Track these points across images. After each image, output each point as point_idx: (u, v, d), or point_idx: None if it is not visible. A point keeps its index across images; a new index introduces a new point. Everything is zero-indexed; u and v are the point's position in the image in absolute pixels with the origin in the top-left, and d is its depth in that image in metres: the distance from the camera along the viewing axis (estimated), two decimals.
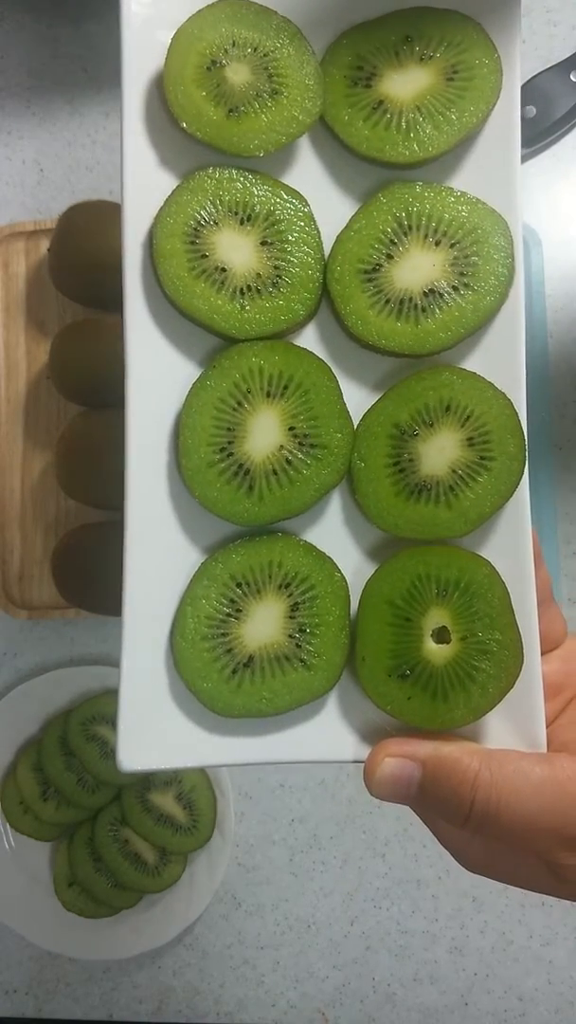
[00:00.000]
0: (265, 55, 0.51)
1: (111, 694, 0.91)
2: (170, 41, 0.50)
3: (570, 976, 0.91)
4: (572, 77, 0.93)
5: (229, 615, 0.51)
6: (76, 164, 0.96)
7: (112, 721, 0.89)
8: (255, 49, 0.51)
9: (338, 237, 0.52)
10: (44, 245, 0.92)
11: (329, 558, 0.51)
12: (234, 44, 0.51)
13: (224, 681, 0.50)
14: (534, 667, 0.49)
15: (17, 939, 0.93)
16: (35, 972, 0.94)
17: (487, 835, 0.47)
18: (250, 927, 0.93)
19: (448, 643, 0.49)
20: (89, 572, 0.86)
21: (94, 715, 0.91)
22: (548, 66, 0.93)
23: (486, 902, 0.92)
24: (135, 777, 0.90)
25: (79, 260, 0.84)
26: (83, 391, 0.85)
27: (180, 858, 0.91)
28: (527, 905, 0.91)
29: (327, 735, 0.51)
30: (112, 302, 0.86)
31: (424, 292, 0.51)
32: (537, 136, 0.93)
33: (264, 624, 0.51)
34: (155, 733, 0.50)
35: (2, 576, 0.92)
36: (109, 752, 0.90)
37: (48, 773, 0.91)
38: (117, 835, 0.91)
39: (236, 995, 0.92)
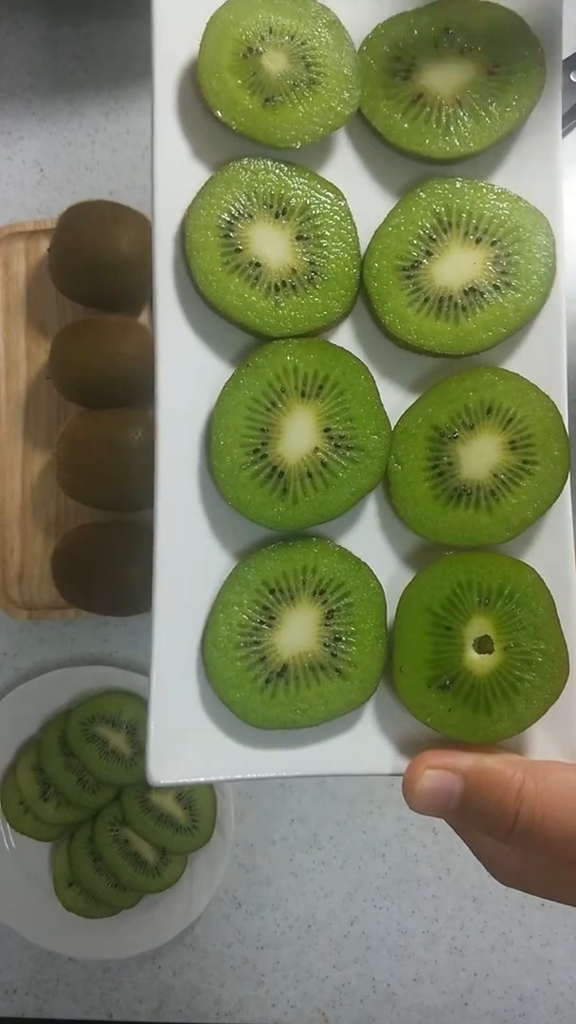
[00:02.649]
0: (303, 43, 0.50)
1: (111, 694, 0.90)
2: (205, 27, 0.49)
3: (570, 976, 0.90)
4: (572, 77, 0.92)
5: (262, 622, 0.49)
6: (76, 164, 0.94)
7: (113, 720, 0.89)
8: (292, 37, 0.50)
9: (376, 233, 0.51)
10: (44, 245, 0.91)
11: (365, 564, 0.50)
12: (271, 31, 0.50)
13: (257, 691, 0.49)
14: (573, 676, 0.48)
15: (17, 939, 0.92)
16: (35, 972, 0.93)
17: (530, 848, 0.46)
18: (250, 927, 0.92)
19: (490, 653, 0.48)
20: (89, 572, 0.85)
21: (94, 715, 0.90)
22: None
23: (486, 902, 0.91)
24: (134, 777, 0.89)
25: (79, 260, 0.82)
26: (83, 391, 0.84)
27: (180, 858, 0.90)
28: (527, 905, 0.91)
29: (364, 747, 0.50)
30: (112, 302, 0.86)
31: (464, 291, 0.50)
32: None
33: (298, 632, 0.50)
34: (186, 746, 0.48)
35: (2, 576, 0.90)
36: (109, 752, 0.89)
37: (48, 773, 0.90)
38: (117, 835, 0.90)
39: (236, 995, 0.91)
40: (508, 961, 0.91)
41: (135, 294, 0.86)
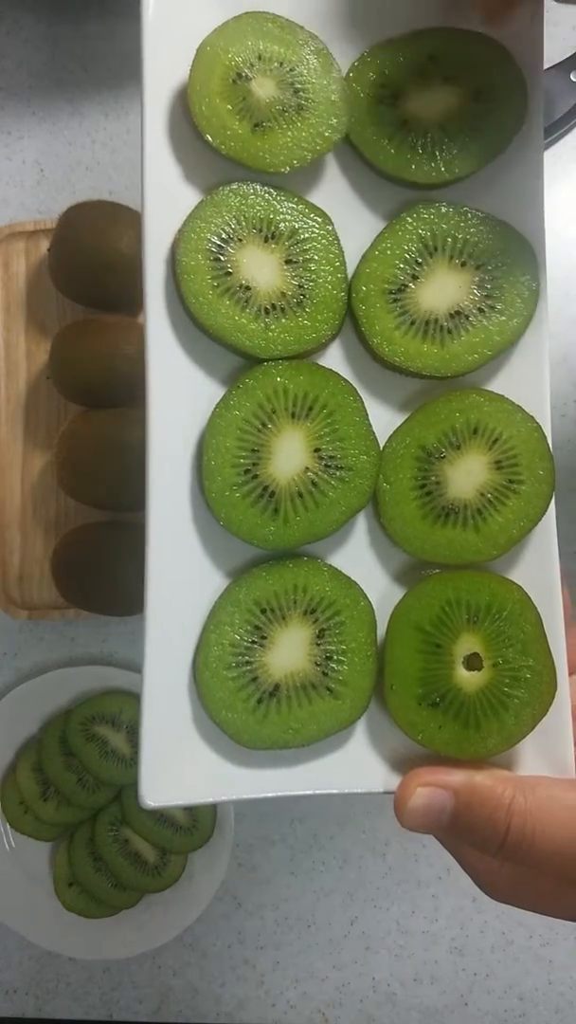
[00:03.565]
0: (291, 70, 0.50)
1: (111, 694, 0.91)
2: (195, 53, 0.49)
3: (570, 976, 0.91)
4: (572, 77, 0.92)
5: (254, 642, 0.50)
6: (76, 164, 0.94)
7: (113, 720, 0.89)
8: (281, 64, 0.50)
9: (363, 256, 0.51)
10: (44, 245, 0.91)
11: (355, 583, 0.51)
12: (260, 58, 0.50)
13: (250, 712, 0.49)
14: (563, 692, 0.49)
15: (17, 939, 0.93)
16: (35, 972, 0.93)
17: (521, 863, 0.47)
18: (250, 927, 0.93)
19: (480, 670, 0.49)
20: (89, 572, 0.85)
21: (94, 715, 0.90)
22: (548, 66, 0.92)
23: (486, 902, 0.91)
24: (134, 777, 0.89)
25: (79, 260, 0.82)
26: (83, 391, 0.84)
27: (180, 858, 0.91)
28: None
29: (356, 765, 0.50)
30: (112, 302, 0.86)
31: (450, 314, 0.50)
32: None
33: (290, 651, 0.50)
34: (178, 768, 0.49)
35: (2, 576, 0.91)
36: (109, 752, 0.89)
37: (48, 773, 0.91)
38: (117, 835, 0.91)
39: (236, 995, 0.92)
40: (508, 961, 0.91)
41: (135, 294, 0.85)
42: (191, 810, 0.89)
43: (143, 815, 0.89)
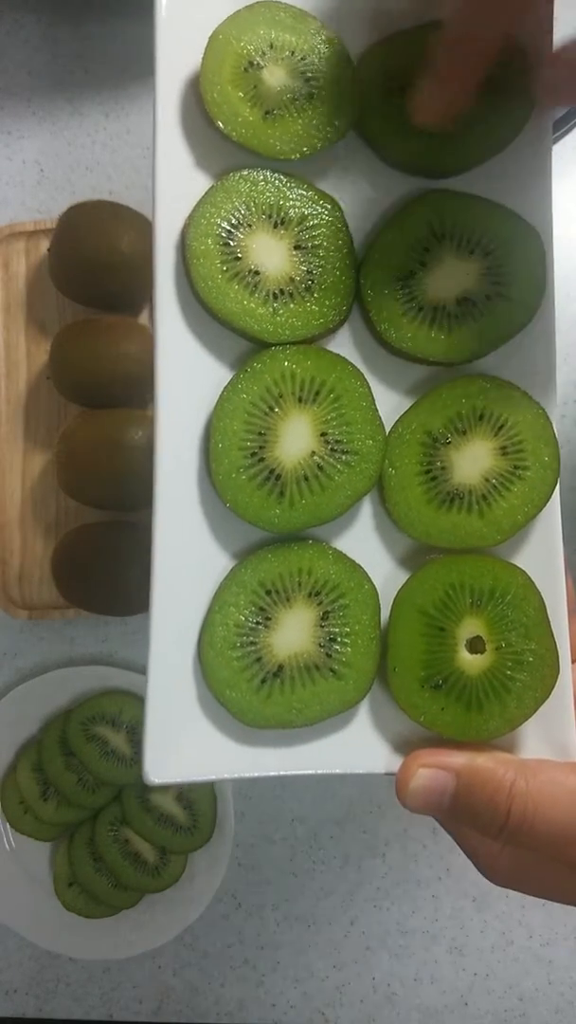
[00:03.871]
0: (302, 59, 0.51)
1: (111, 694, 0.91)
2: (207, 41, 0.50)
3: (570, 976, 0.91)
4: None
5: (258, 623, 0.50)
6: (76, 164, 0.94)
7: (113, 720, 0.89)
8: (292, 52, 0.51)
9: (371, 243, 0.52)
10: (44, 245, 0.91)
11: (360, 566, 0.51)
12: (271, 46, 0.51)
13: (253, 691, 0.50)
14: (565, 676, 0.49)
15: (17, 939, 0.93)
16: (35, 972, 0.93)
17: (521, 846, 0.47)
18: (250, 927, 0.92)
19: (482, 653, 0.49)
20: (89, 572, 0.85)
21: (94, 715, 0.90)
22: None
23: (486, 902, 0.92)
24: (134, 777, 0.90)
25: (79, 260, 0.83)
26: (83, 391, 0.85)
27: (180, 858, 0.90)
28: (527, 905, 0.92)
29: (358, 746, 0.51)
30: (112, 302, 0.86)
31: (458, 300, 0.51)
32: None
33: (294, 633, 0.50)
34: (182, 745, 0.49)
35: (2, 576, 0.91)
36: (109, 752, 0.89)
37: (48, 773, 0.90)
38: (117, 835, 0.90)
39: (236, 995, 0.92)
40: (508, 961, 0.91)
41: (135, 294, 0.86)
42: (191, 810, 0.89)
43: (143, 815, 0.89)
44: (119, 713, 0.90)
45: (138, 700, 0.91)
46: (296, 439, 0.50)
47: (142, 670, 0.91)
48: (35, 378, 0.92)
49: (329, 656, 0.50)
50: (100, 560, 0.84)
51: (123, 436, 0.81)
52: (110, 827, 0.91)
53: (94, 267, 0.82)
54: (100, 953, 0.91)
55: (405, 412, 0.52)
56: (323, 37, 0.51)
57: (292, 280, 0.51)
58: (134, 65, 0.94)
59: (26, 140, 0.95)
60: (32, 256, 0.92)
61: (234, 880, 0.93)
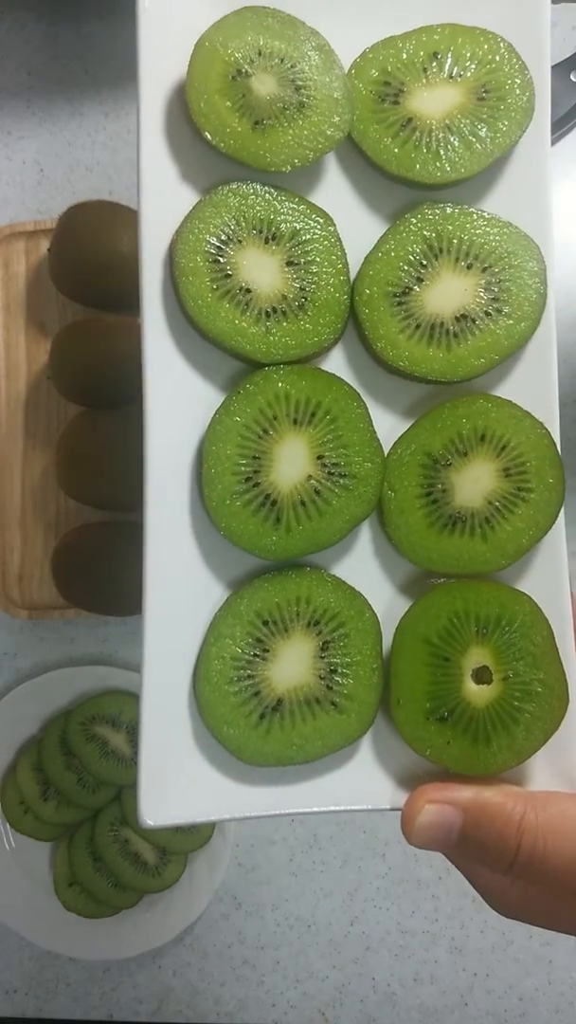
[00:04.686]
0: (292, 66, 0.49)
1: (111, 694, 0.90)
2: (193, 48, 0.48)
3: (570, 976, 0.91)
4: (572, 77, 0.91)
5: (256, 655, 0.49)
6: (76, 164, 0.94)
7: (113, 720, 0.89)
8: (282, 60, 0.49)
9: (366, 259, 0.50)
10: (44, 245, 0.91)
11: (360, 594, 0.50)
12: (260, 54, 0.49)
13: (252, 727, 0.48)
14: (572, 705, 0.48)
15: (17, 939, 0.93)
16: (35, 972, 0.93)
17: (531, 880, 0.46)
18: (250, 927, 0.92)
19: (489, 683, 0.48)
20: (89, 572, 0.85)
21: (94, 715, 0.90)
22: None
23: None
24: (134, 777, 0.89)
25: (79, 260, 0.82)
26: (83, 391, 0.84)
27: (180, 858, 0.90)
28: None
29: (362, 782, 0.49)
30: (112, 302, 0.85)
31: (456, 317, 0.49)
32: None
33: (293, 665, 0.49)
34: (179, 785, 0.48)
35: (2, 576, 0.91)
36: (109, 752, 0.89)
37: (48, 773, 0.90)
38: (117, 835, 0.90)
39: (236, 995, 0.92)
40: (508, 961, 0.91)
41: (135, 294, 0.84)
42: None
43: None
44: (119, 713, 0.90)
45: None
46: (292, 463, 0.49)
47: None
48: (35, 378, 0.91)
49: (330, 688, 0.49)
50: (100, 560, 0.84)
51: (123, 436, 0.81)
52: (110, 827, 0.90)
53: (94, 267, 0.82)
54: (100, 953, 0.91)
55: (404, 433, 0.50)
56: (313, 43, 0.49)
57: (285, 298, 0.49)
58: (134, 65, 0.92)
59: (26, 140, 0.95)
60: (32, 256, 0.92)
61: (234, 880, 0.93)
